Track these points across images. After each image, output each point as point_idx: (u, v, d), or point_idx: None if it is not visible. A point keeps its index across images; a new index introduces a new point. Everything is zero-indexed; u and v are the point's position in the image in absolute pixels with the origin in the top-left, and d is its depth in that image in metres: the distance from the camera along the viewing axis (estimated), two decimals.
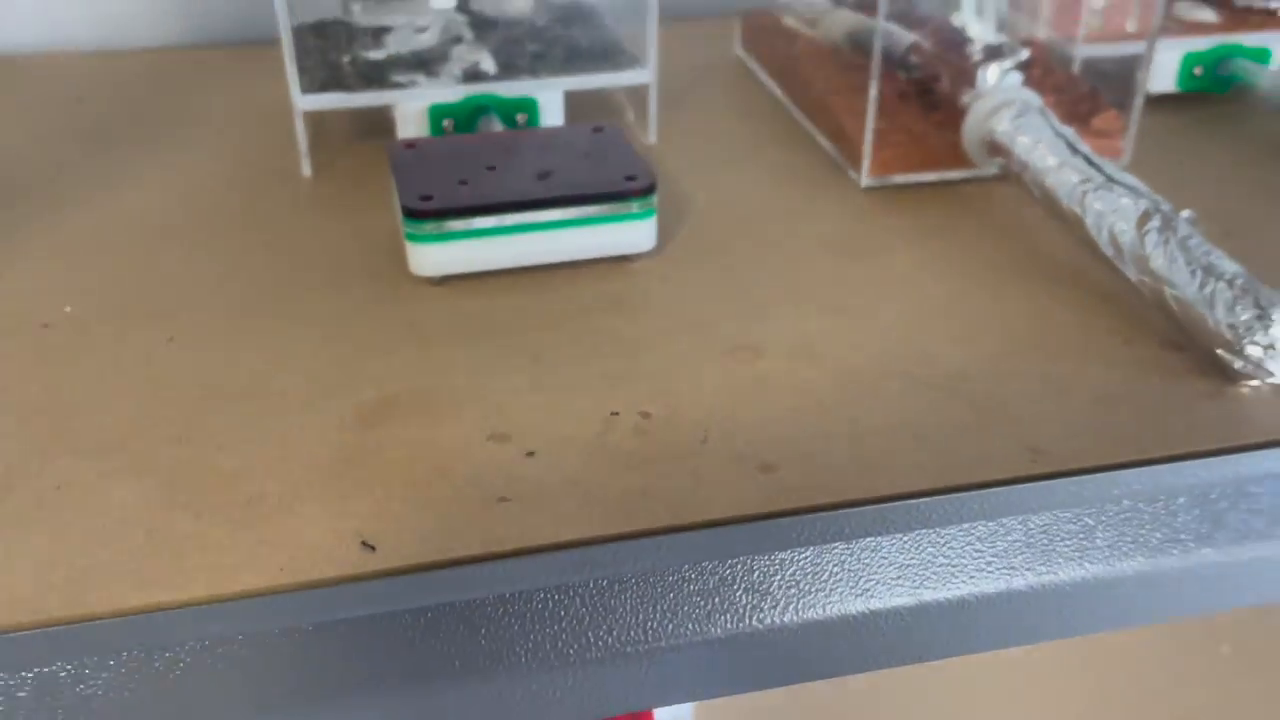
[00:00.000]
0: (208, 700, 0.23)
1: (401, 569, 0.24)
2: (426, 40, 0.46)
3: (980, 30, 0.46)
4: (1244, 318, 0.29)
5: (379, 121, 0.44)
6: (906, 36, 0.44)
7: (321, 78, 0.43)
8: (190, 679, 0.22)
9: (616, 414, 0.29)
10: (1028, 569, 0.27)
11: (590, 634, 0.24)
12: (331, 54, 0.45)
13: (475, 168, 0.36)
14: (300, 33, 0.46)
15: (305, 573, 0.24)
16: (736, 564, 0.25)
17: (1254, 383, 0.30)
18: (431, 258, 0.34)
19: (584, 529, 0.25)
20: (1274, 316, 0.28)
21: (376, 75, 0.44)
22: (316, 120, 0.44)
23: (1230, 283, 0.29)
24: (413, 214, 0.34)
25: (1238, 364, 0.29)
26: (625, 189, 0.35)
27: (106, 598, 0.23)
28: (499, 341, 0.32)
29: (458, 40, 0.46)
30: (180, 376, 0.31)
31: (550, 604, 0.24)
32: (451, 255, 0.34)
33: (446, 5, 0.48)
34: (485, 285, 0.35)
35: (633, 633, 0.24)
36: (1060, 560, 0.27)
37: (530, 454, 0.27)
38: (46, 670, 0.22)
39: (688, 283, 0.35)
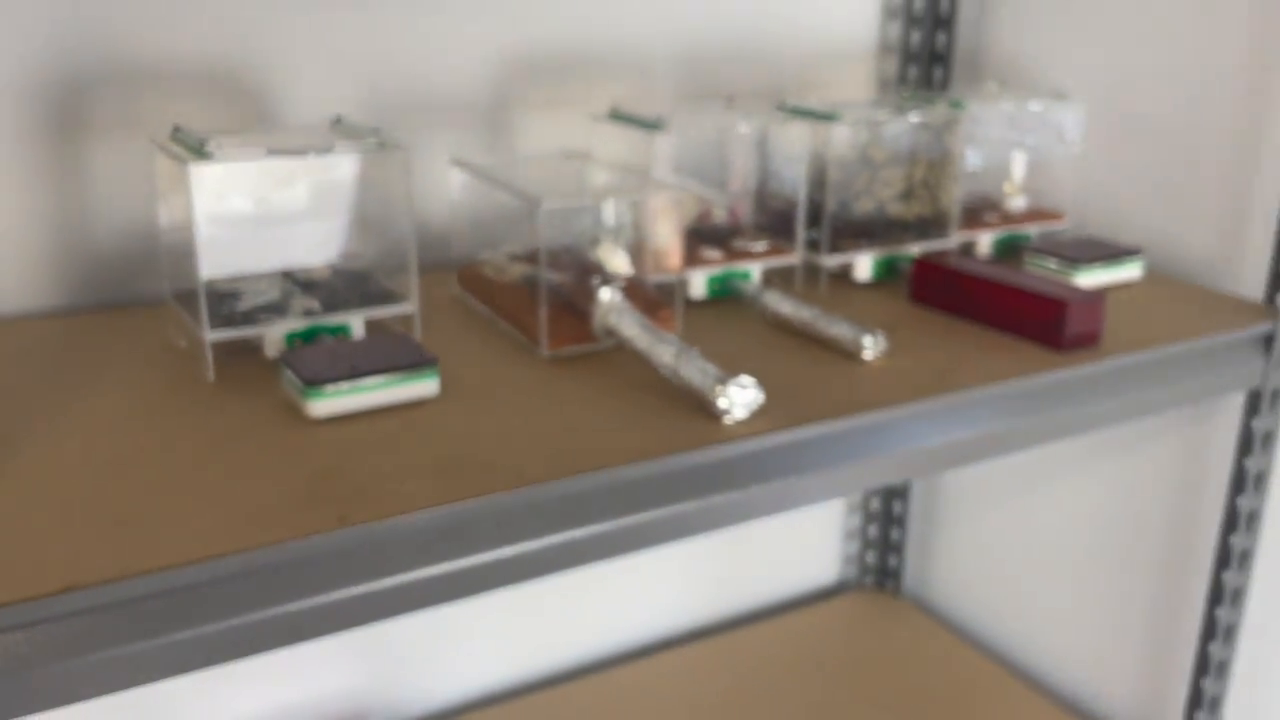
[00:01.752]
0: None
1: (361, 523, 0.53)
2: (271, 296, 0.76)
3: (610, 263, 0.82)
4: (717, 388, 0.64)
5: (239, 345, 0.73)
6: (555, 277, 0.79)
7: (216, 321, 0.72)
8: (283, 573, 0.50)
9: (406, 483, 0.59)
10: (623, 512, 0.60)
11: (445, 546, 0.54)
12: (216, 308, 0.74)
13: (332, 359, 0.66)
14: (180, 297, 0.75)
15: (314, 528, 0.52)
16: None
17: (727, 418, 0.65)
18: (322, 407, 0.64)
19: (436, 501, 0.55)
20: (729, 388, 0.64)
21: (249, 318, 0.73)
22: (199, 347, 0.72)
23: (714, 376, 0.65)
24: (310, 382, 0.63)
25: (719, 410, 0.64)
26: (420, 362, 0.66)
27: (204, 550, 0.51)
28: (370, 443, 0.62)
29: (291, 294, 0.76)
30: (194, 476, 0.58)
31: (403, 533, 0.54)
32: (333, 405, 0.64)
33: (276, 273, 0.78)
34: (353, 421, 0.65)
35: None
36: (643, 504, 0.60)
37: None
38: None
39: (455, 412, 0.67)
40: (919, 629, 1.28)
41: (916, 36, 1.14)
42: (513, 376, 0.72)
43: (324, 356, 0.67)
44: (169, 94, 0.85)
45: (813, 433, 0.65)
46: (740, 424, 0.65)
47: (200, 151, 0.68)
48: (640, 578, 1.21)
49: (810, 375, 0.72)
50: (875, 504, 1.31)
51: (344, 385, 0.64)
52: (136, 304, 0.87)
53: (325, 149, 0.71)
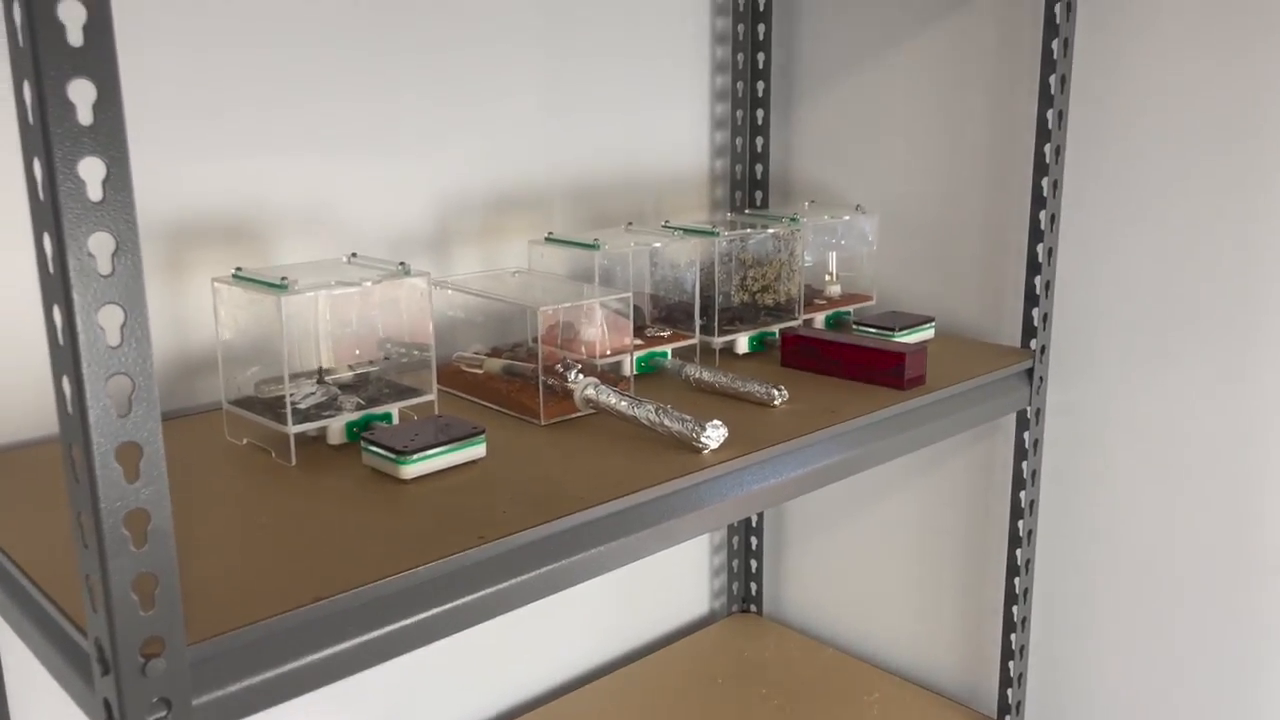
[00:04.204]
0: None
1: (496, 539, 0.74)
2: (319, 398, 0.95)
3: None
4: (695, 431, 0.89)
5: (299, 436, 0.92)
6: (531, 366, 1.02)
7: (291, 419, 0.90)
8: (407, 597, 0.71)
9: (504, 511, 0.81)
10: (655, 521, 0.84)
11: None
12: (275, 409, 0.92)
13: (405, 436, 0.87)
14: (240, 403, 0.93)
15: (465, 546, 0.73)
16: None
17: (706, 451, 0.90)
18: (411, 470, 0.84)
19: (537, 522, 0.77)
20: (707, 429, 0.89)
21: (314, 415, 0.92)
22: (265, 437, 0.90)
23: (693, 422, 0.90)
24: (400, 453, 0.84)
25: (700, 446, 0.90)
26: (473, 432, 0.88)
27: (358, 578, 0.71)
28: (456, 492, 0.83)
29: (334, 394, 0.95)
30: (342, 526, 0.77)
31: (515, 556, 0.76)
32: (418, 468, 0.85)
33: (312, 378, 0.97)
34: (431, 479, 0.85)
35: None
36: (666, 514, 0.84)
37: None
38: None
39: (502, 466, 0.88)
40: (784, 639, 1.56)
41: (739, 169, 1.46)
42: (528, 441, 0.94)
43: (397, 435, 0.87)
44: (190, 243, 1.03)
45: (764, 455, 0.91)
46: (714, 454, 0.90)
47: (283, 286, 0.87)
48: (555, 625, 1.42)
49: (741, 420, 0.99)
50: (736, 541, 1.58)
51: (424, 453, 0.85)
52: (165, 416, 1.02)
53: (376, 279, 0.92)
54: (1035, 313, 1.20)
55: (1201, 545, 1.16)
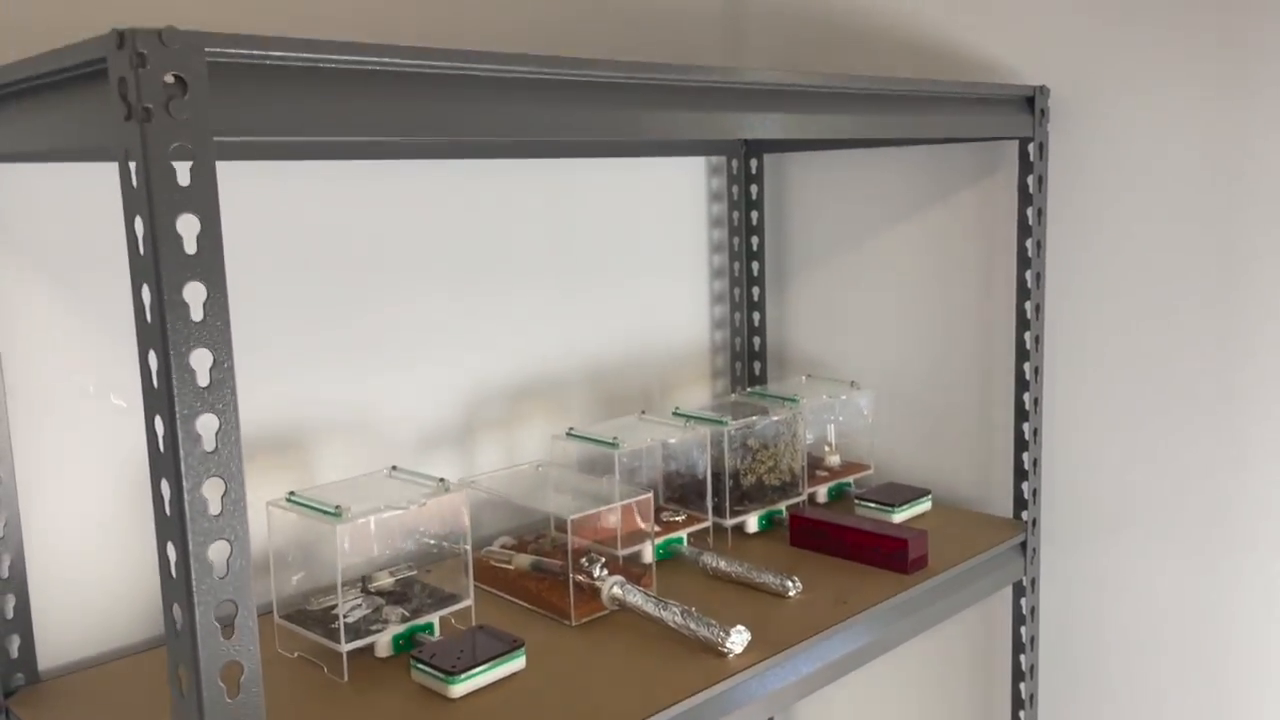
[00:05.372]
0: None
1: None
2: (363, 610, 1.01)
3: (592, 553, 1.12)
4: (720, 636, 0.96)
5: (350, 652, 0.98)
6: (556, 564, 1.09)
7: (333, 635, 0.96)
8: None
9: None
10: None
11: None
12: (325, 623, 0.98)
13: (452, 653, 0.93)
14: (293, 617, 0.99)
15: None
16: None
17: (729, 655, 0.97)
18: (460, 690, 0.90)
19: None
20: (732, 636, 0.96)
21: (362, 629, 0.98)
22: (316, 651, 0.96)
23: (719, 628, 0.97)
24: (449, 672, 0.90)
25: (723, 650, 0.96)
26: (515, 646, 0.94)
27: None
28: (503, 709, 0.88)
29: (378, 605, 1.02)
30: None
31: None
32: (466, 686, 0.90)
33: (356, 587, 1.03)
34: (478, 695, 0.91)
35: None
36: None
37: None
38: None
39: (542, 677, 0.94)
40: None
41: (738, 341, 1.56)
42: (563, 645, 1.00)
43: (444, 652, 0.93)
44: None
45: (784, 656, 0.98)
46: (738, 658, 0.97)
47: (338, 514, 0.94)
48: None
49: (758, 613, 1.05)
50: None
51: (470, 672, 0.91)
52: None
53: (421, 500, 0.99)
54: (1025, 487, 1.28)
55: (1198, 707, 1.22)
